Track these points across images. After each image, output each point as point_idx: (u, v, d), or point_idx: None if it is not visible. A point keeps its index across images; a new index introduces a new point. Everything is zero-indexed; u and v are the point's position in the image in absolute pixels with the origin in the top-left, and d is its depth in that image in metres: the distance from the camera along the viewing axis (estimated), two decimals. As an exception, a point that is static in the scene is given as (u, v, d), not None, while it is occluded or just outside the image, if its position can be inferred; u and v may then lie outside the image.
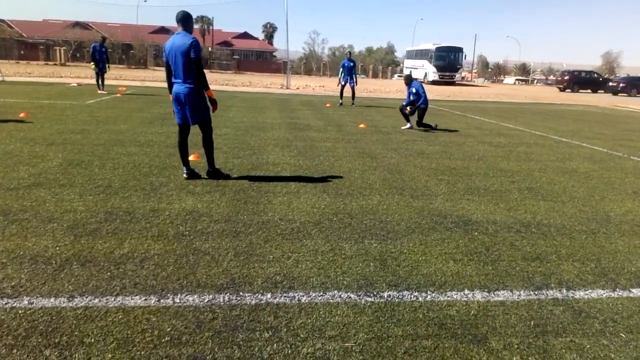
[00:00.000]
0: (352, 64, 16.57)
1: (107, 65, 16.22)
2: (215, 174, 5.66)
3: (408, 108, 11.34)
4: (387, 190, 5.58)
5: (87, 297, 2.77)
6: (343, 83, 16.64)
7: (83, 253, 3.37)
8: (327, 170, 6.50)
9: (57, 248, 3.44)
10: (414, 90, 11.16)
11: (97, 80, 16.26)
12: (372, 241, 3.90)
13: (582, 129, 13.26)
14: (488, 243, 4.00)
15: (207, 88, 5.28)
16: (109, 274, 3.08)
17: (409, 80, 11.57)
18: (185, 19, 5.17)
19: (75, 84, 20.77)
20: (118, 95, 16.41)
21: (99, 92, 16.02)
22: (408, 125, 11.36)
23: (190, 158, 6.54)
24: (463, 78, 53.79)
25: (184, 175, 5.57)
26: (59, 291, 2.82)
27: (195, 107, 5.28)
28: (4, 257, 3.24)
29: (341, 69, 16.69)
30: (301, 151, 7.83)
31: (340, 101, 17.07)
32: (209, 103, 5.42)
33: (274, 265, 3.34)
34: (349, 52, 18.07)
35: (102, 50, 15.86)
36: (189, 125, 5.45)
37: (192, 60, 5.05)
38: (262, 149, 7.87)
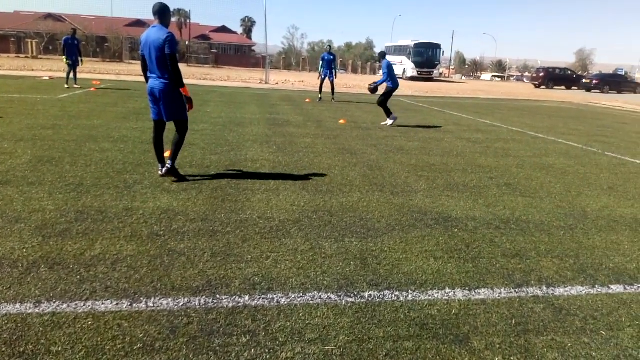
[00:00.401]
0: (332, 57, 16.38)
1: (79, 59, 15.73)
2: (173, 171, 5.23)
3: (369, 85, 11.42)
4: (368, 187, 5.54)
5: (55, 303, 2.64)
6: (323, 77, 16.49)
7: (52, 255, 3.22)
8: (306, 167, 6.42)
9: (24, 250, 3.28)
10: (382, 69, 11.12)
11: (68, 75, 15.73)
12: (352, 239, 3.84)
13: (557, 125, 13.48)
14: (468, 240, 3.99)
15: (182, 85, 5.05)
16: (78, 277, 2.94)
17: (380, 57, 11.48)
18: (162, 12, 4.94)
19: (47, 78, 20.17)
20: (92, 89, 15.98)
21: (66, 86, 15.51)
22: (389, 121, 11.32)
23: (165, 155, 6.39)
24: (441, 74, 54.22)
25: (159, 173, 5.37)
26: (25, 296, 2.68)
27: (170, 104, 5.07)
28: (-34, 261, 3.07)
29: (321, 62, 16.51)
30: (280, 147, 7.73)
31: (320, 96, 16.98)
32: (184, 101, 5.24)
33: (252, 266, 3.25)
34: (329, 45, 17.95)
35: (73, 43, 15.37)
36: (164, 121, 5.25)
37: (167, 56, 4.84)
38: (240, 145, 7.74)
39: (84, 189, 4.78)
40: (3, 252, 3.22)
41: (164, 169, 5.25)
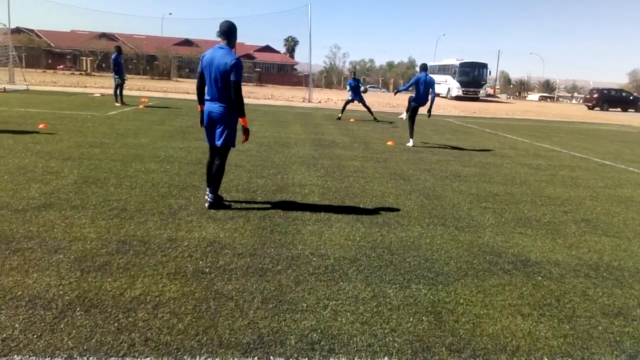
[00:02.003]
0: (356, 82, 16.56)
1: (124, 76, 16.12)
2: (216, 204, 4.93)
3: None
4: (428, 220, 5.03)
5: (88, 358, 2.29)
6: (350, 99, 16.65)
7: (89, 295, 2.91)
8: (358, 194, 5.98)
9: (61, 287, 2.98)
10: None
11: (116, 92, 16.05)
12: (420, 286, 3.36)
13: (623, 151, 12.49)
14: (557, 292, 3.42)
15: (243, 115, 4.70)
16: (116, 324, 2.60)
17: (420, 69, 10.91)
18: (229, 32, 4.64)
19: (99, 95, 20.77)
20: (140, 107, 16.22)
21: (117, 104, 15.81)
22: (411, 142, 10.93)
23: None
24: (492, 95, 52.82)
25: (206, 198, 5.00)
26: (56, 348, 2.35)
27: (225, 129, 4.73)
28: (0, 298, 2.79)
29: (348, 88, 16.95)
30: (328, 171, 7.34)
31: (340, 116, 16.78)
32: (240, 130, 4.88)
33: (308, 317, 2.82)
34: (353, 72, 18.24)
35: (120, 62, 15.73)
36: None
37: (232, 83, 4.52)
38: (287, 167, 7.41)
39: (127, 215, 4.52)
40: (38, 290, 2.93)
41: (206, 204, 4.93)
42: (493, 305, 3.14)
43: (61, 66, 51.93)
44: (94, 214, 4.47)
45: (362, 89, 16.51)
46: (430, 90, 10.35)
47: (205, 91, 4.78)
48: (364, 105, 16.55)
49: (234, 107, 4.69)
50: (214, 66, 4.57)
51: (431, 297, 3.20)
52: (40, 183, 5.43)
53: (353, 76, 17.20)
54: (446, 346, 2.60)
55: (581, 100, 55.91)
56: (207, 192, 4.96)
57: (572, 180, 7.86)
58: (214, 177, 4.86)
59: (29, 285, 2.99)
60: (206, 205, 4.93)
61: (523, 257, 4.09)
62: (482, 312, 3.02)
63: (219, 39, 4.73)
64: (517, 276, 3.66)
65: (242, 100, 4.64)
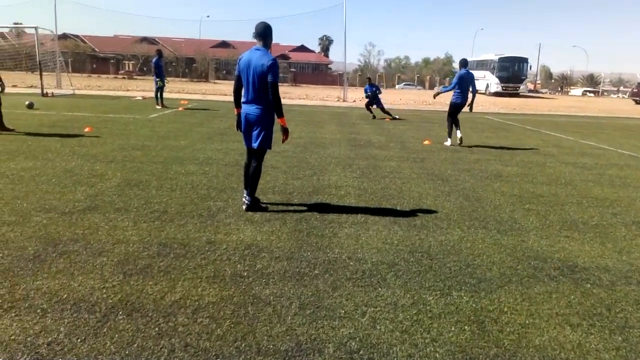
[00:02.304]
0: (373, 88, 16.56)
1: (165, 79, 16.51)
2: (254, 206, 4.96)
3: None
4: (468, 222, 4.90)
5: (130, 361, 2.34)
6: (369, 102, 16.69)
7: (131, 298, 2.98)
8: (395, 196, 5.89)
9: (104, 290, 3.07)
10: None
11: (157, 95, 16.45)
12: (461, 293, 3.26)
13: (677, 148, 11.81)
14: (607, 300, 3.25)
15: (282, 115, 4.68)
16: (157, 329, 2.64)
17: (460, 65, 10.50)
18: (265, 33, 4.65)
19: (140, 98, 21.39)
20: (180, 109, 16.60)
21: (158, 107, 16.21)
22: (447, 142, 10.65)
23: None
24: (535, 90, 51.09)
25: (244, 200, 5.03)
26: (99, 352, 2.41)
27: (262, 131, 4.74)
28: (45, 302, 2.89)
29: (364, 94, 16.92)
30: (364, 172, 7.27)
31: (373, 115, 16.73)
32: (280, 132, 4.85)
33: (346, 325, 2.78)
34: (369, 77, 18.13)
35: (161, 65, 16.11)
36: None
37: (269, 84, 4.52)
38: (322, 168, 7.39)
39: (168, 217, 4.62)
40: (83, 293, 3.02)
41: (244, 206, 4.96)
42: (539, 314, 3.00)
43: (122, 71, 53.86)
44: (136, 217, 4.58)
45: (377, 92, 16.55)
46: (471, 86, 10.14)
47: (242, 93, 4.80)
48: (381, 109, 16.53)
49: (271, 108, 4.71)
50: (252, 68, 4.58)
51: (473, 305, 3.10)
52: (86, 186, 5.63)
53: (368, 81, 17.05)
54: (490, 358, 2.51)
55: (628, 95, 53.28)
56: (245, 195, 5.00)
57: (620, 179, 7.48)
58: (251, 179, 4.88)
59: (74, 288, 3.09)
60: (243, 207, 4.98)
61: (570, 263, 3.91)
62: (527, 322, 2.90)
63: (255, 41, 4.75)
64: (564, 283, 3.50)
65: (280, 101, 4.64)
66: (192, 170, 6.76)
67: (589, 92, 73.13)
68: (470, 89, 10.17)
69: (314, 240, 4.18)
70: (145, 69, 54.57)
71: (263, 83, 4.58)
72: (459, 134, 10.43)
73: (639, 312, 3.10)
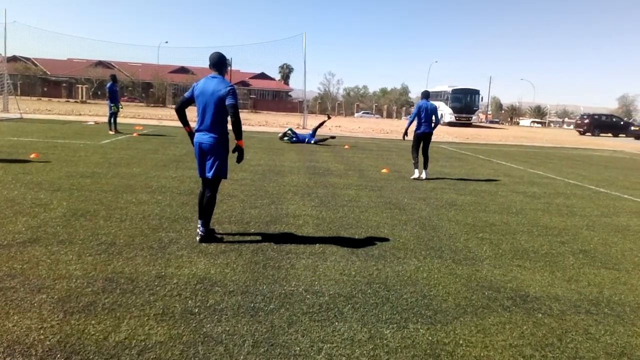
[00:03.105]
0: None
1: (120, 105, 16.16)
2: (208, 237, 4.82)
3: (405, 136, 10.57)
4: (424, 252, 4.93)
5: (65, 412, 2.15)
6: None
7: (71, 339, 2.77)
8: (353, 225, 5.89)
9: (42, 331, 2.84)
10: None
11: (110, 120, 16.00)
12: (417, 325, 3.24)
13: (616, 178, 12.52)
14: (558, 330, 3.31)
15: (240, 138, 4.61)
16: (97, 374, 2.46)
17: (421, 96, 10.43)
18: (219, 63, 4.68)
19: (93, 123, 20.74)
20: (134, 134, 16.18)
21: (111, 132, 15.75)
22: (414, 174, 10.36)
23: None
24: (488, 120, 53.26)
25: (198, 232, 4.86)
26: (31, 402, 2.21)
27: (216, 160, 4.66)
28: (-27, 346, 2.65)
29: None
30: (323, 200, 7.25)
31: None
32: (232, 153, 4.77)
33: (302, 362, 2.69)
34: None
35: (116, 90, 15.78)
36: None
37: (230, 106, 4.48)
38: (281, 197, 7.32)
39: (115, 250, 4.39)
40: (18, 334, 2.79)
41: (197, 237, 4.82)
42: (494, 346, 3.02)
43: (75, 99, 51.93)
44: (81, 249, 4.34)
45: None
46: (433, 117, 10.05)
47: (197, 121, 4.73)
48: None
49: (225, 137, 4.70)
50: (208, 95, 4.55)
51: (430, 337, 3.08)
52: (28, 216, 5.31)
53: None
54: (446, 393, 2.48)
55: (572, 126, 56.55)
56: (199, 225, 4.85)
57: (567, 208, 7.81)
58: (205, 209, 4.76)
59: (9, 329, 2.85)
60: (197, 238, 4.82)
61: (522, 292, 3.98)
62: (482, 354, 2.90)
63: (211, 70, 4.73)
64: (517, 313, 3.55)
65: (241, 123, 4.57)
66: (143, 199, 6.53)
67: (537, 122, 77.11)
68: (433, 119, 10.09)
69: (271, 273, 4.08)
70: (99, 93, 53.26)
71: (219, 110, 4.55)
72: (424, 173, 10.13)
73: (588, 342, 3.17)
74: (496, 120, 77.57)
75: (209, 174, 4.69)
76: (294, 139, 17.30)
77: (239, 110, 4.61)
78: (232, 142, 4.53)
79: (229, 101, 4.49)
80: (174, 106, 45.64)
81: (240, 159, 4.72)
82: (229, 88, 4.53)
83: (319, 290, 3.77)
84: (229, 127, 4.61)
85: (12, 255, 4.09)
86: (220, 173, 4.72)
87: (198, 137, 4.70)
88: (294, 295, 3.63)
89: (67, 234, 4.78)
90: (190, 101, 4.75)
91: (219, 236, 4.94)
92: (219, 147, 4.65)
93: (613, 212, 7.73)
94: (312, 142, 17.21)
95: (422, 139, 10.16)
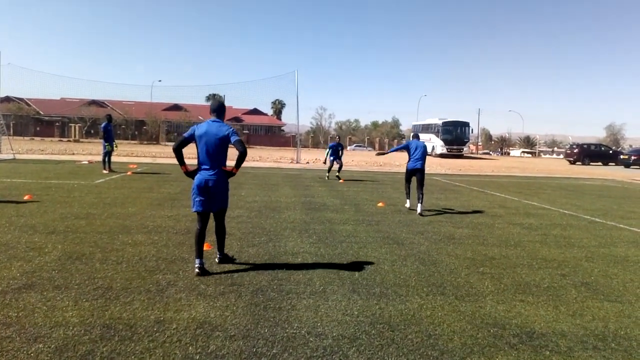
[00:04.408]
0: (339, 147, 17.44)
1: (114, 144, 16.23)
2: (225, 259, 5.51)
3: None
4: (426, 289, 4.88)
5: None
6: (331, 160, 17.35)
7: (68, 393, 2.67)
8: (352, 261, 5.84)
9: (37, 384, 2.74)
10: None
11: (105, 159, 16.00)
12: (425, 367, 3.17)
13: (611, 207, 12.61)
14: (567, 368, 3.25)
15: (238, 167, 5.14)
16: None
17: (412, 136, 11.11)
18: (220, 109, 5.22)
19: (86, 162, 20.72)
20: (128, 173, 16.15)
21: (105, 172, 15.70)
22: (407, 203, 10.76)
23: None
24: (480, 152, 53.83)
25: (196, 270, 4.96)
26: None
27: (220, 195, 5.13)
28: (-33, 404, 2.55)
29: (329, 150, 17.51)
30: (321, 237, 7.21)
31: (327, 175, 17.78)
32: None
33: (309, 411, 2.60)
34: (338, 136, 19.22)
35: (110, 129, 15.88)
36: (209, 213, 5.19)
37: (236, 142, 4.96)
38: (278, 234, 7.27)
39: (112, 294, 4.31)
40: (12, 389, 2.69)
41: (217, 259, 5.45)
42: (504, 387, 2.95)
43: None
44: (77, 295, 4.25)
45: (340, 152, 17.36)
46: (423, 156, 10.29)
47: (199, 161, 5.11)
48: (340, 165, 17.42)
49: (225, 174, 5.15)
50: (211, 136, 5.00)
51: (438, 380, 3.00)
52: (22, 261, 5.21)
53: (337, 140, 18.03)
54: None
55: (562, 155, 57.32)
56: (197, 263, 5.05)
57: (565, 239, 7.82)
58: (219, 238, 5.35)
59: (4, 383, 2.75)
60: (198, 270, 5.00)
61: (528, 329, 3.93)
62: (493, 397, 2.83)
63: (211, 115, 5.20)
64: (524, 351, 3.49)
65: (245, 157, 5.02)
66: (140, 240, 6.46)
67: (527, 152, 78.05)
68: (422, 158, 10.38)
69: (272, 315, 4.01)
70: (92, 132, 53.44)
71: (222, 150, 5.06)
72: (419, 207, 10.04)
73: (598, 380, 3.11)
74: (487, 152, 78.40)
75: (215, 208, 5.16)
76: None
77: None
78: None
79: (234, 139, 4.99)
80: (167, 144, 45.79)
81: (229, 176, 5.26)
82: (230, 129, 5.07)
83: (322, 332, 3.70)
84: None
85: (7, 302, 3.99)
86: (224, 205, 5.26)
87: (203, 175, 5.07)
88: (297, 339, 3.56)
89: (62, 278, 4.69)
90: (189, 141, 5.08)
91: (231, 257, 5.63)
92: (223, 183, 5.13)
93: (610, 243, 7.74)
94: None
95: (414, 174, 10.45)
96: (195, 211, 5.15)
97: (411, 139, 10.88)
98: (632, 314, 4.42)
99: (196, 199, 5.09)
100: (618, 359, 3.45)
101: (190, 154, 5.27)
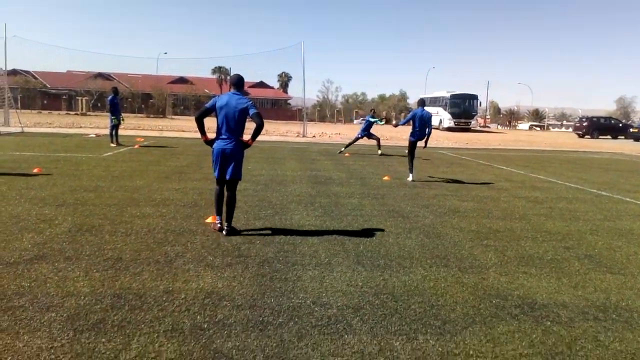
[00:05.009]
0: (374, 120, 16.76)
1: (121, 117, 16.23)
2: (234, 231, 5.65)
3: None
4: (430, 261, 4.94)
5: None
6: (359, 135, 16.81)
7: (82, 358, 2.78)
8: (357, 234, 5.90)
9: (52, 351, 2.85)
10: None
11: (112, 132, 16.06)
12: (427, 336, 3.24)
13: (617, 181, 12.54)
14: (567, 338, 3.31)
15: (254, 139, 5.40)
16: (110, 393, 2.46)
17: (418, 104, 11.16)
18: (238, 83, 5.51)
19: (94, 135, 20.81)
20: (136, 146, 16.23)
21: (112, 145, 15.77)
22: (410, 177, 10.82)
23: (209, 220, 6.10)
24: (484, 125, 53.40)
25: (219, 226, 5.65)
26: (45, 423, 2.21)
27: (237, 164, 5.47)
28: (-15, 367, 2.66)
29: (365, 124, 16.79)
30: (326, 210, 7.26)
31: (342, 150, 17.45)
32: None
33: (313, 376, 2.69)
34: (373, 109, 18.53)
35: (117, 102, 15.87)
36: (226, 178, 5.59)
37: (255, 114, 5.29)
38: (284, 207, 7.34)
39: (122, 265, 4.40)
40: (28, 354, 2.80)
41: (224, 232, 5.55)
42: (504, 355, 3.02)
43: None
44: (87, 266, 4.35)
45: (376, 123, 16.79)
46: (427, 125, 10.50)
47: (217, 131, 5.45)
48: (377, 139, 16.92)
49: (242, 143, 5.48)
50: (231, 108, 5.32)
51: (440, 349, 3.08)
52: (34, 232, 5.32)
53: (372, 113, 17.26)
54: (459, 406, 2.48)
55: (571, 129, 56.68)
56: (217, 220, 5.69)
57: (570, 213, 7.82)
58: (228, 209, 5.56)
59: (19, 349, 2.86)
60: (225, 231, 5.54)
61: (529, 300, 3.99)
62: (493, 365, 2.90)
63: (231, 88, 5.52)
64: (525, 321, 3.56)
65: (262, 129, 5.28)
66: (148, 212, 6.55)
67: (536, 126, 77.19)
68: (427, 128, 10.50)
69: (278, 285, 4.09)
70: (99, 105, 53.40)
71: (240, 121, 5.37)
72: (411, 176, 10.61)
73: (598, 349, 3.17)
74: (488, 126, 76.77)
75: (228, 177, 5.47)
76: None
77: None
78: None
79: (252, 111, 5.33)
80: (174, 117, 45.80)
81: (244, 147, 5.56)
82: (249, 101, 5.40)
83: (326, 302, 3.78)
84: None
85: (20, 273, 4.10)
86: (238, 175, 5.55)
87: (220, 143, 5.43)
88: (302, 308, 3.64)
89: (73, 250, 4.79)
90: (210, 111, 5.41)
91: (238, 229, 5.77)
92: (239, 153, 5.46)
93: (616, 216, 7.74)
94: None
95: (414, 145, 10.57)
96: (215, 176, 5.62)
97: (419, 107, 10.81)
98: (634, 286, 4.46)
99: (215, 166, 5.52)
100: (618, 329, 3.51)
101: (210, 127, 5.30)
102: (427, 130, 10.53)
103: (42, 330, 3.11)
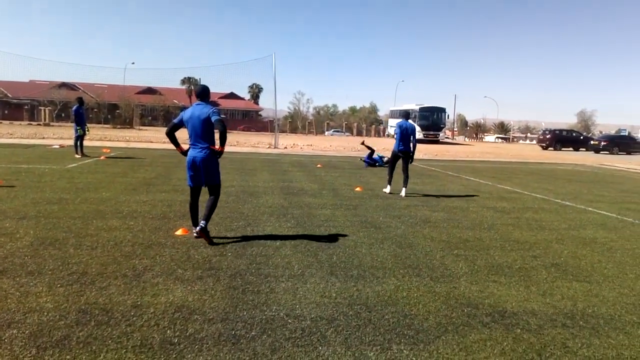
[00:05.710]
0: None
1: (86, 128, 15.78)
2: (205, 231, 5.61)
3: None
4: (402, 271, 4.97)
5: None
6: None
7: (44, 378, 2.65)
8: (330, 245, 5.89)
9: (12, 370, 2.71)
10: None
11: (76, 143, 15.59)
12: (401, 346, 3.25)
13: (580, 191, 12.99)
14: (537, 345, 3.38)
15: (223, 146, 5.53)
16: (75, 413, 2.35)
17: (401, 115, 11.13)
18: (204, 93, 5.67)
19: (58, 146, 20.18)
20: (101, 157, 15.81)
21: (77, 156, 15.32)
22: (386, 189, 10.82)
23: (178, 232, 5.98)
24: (452, 137, 54.53)
25: (194, 234, 5.71)
26: None
27: (210, 170, 5.58)
28: (-62, 390, 2.50)
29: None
30: (299, 221, 7.23)
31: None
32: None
33: (288, 390, 2.65)
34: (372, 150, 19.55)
35: (82, 113, 15.44)
36: (201, 187, 5.74)
37: (216, 121, 5.36)
38: (256, 218, 7.26)
39: (88, 279, 4.25)
40: (-14, 375, 2.65)
41: (197, 228, 5.57)
42: (477, 364, 3.05)
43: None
44: (51, 280, 4.18)
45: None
46: (411, 137, 10.32)
47: (189, 141, 5.60)
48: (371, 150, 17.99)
49: (213, 152, 5.54)
50: (195, 118, 5.46)
51: (413, 358, 3.09)
52: (-8, 247, 5.08)
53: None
54: (434, 415, 2.48)
55: (535, 141, 58.53)
56: (194, 229, 5.69)
57: (536, 222, 8.04)
58: (209, 209, 5.64)
59: (-24, 369, 2.71)
60: (196, 232, 5.61)
61: (500, 308, 4.05)
62: (466, 373, 2.92)
63: (197, 99, 5.68)
64: (496, 329, 3.61)
65: (226, 134, 5.51)
66: (115, 225, 6.36)
67: (501, 138, 79.40)
68: (412, 139, 10.35)
69: (250, 298, 4.03)
70: (63, 115, 51.92)
71: (206, 129, 5.47)
72: (403, 191, 10.40)
73: (566, 356, 3.24)
74: (448, 137, 77.08)
75: (205, 184, 5.64)
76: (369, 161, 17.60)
77: (226, 126, 5.49)
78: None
79: (214, 117, 5.40)
80: (141, 128, 45.07)
81: (219, 154, 5.63)
82: (212, 108, 5.51)
83: (300, 314, 3.74)
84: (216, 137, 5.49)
85: (-23, 289, 3.89)
86: (214, 182, 5.68)
87: (192, 152, 5.57)
88: (276, 321, 3.59)
89: (35, 264, 4.59)
90: (178, 126, 5.63)
91: (211, 238, 5.67)
92: (210, 160, 5.55)
93: (580, 225, 7.99)
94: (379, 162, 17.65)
95: (400, 157, 10.50)
96: (188, 185, 5.75)
97: (400, 118, 10.84)
98: (599, 293, 4.60)
99: (188, 175, 5.66)
100: (586, 336, 3.60)
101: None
102: (411, 142, 10.37)
103: (3, 347, 2.95)
